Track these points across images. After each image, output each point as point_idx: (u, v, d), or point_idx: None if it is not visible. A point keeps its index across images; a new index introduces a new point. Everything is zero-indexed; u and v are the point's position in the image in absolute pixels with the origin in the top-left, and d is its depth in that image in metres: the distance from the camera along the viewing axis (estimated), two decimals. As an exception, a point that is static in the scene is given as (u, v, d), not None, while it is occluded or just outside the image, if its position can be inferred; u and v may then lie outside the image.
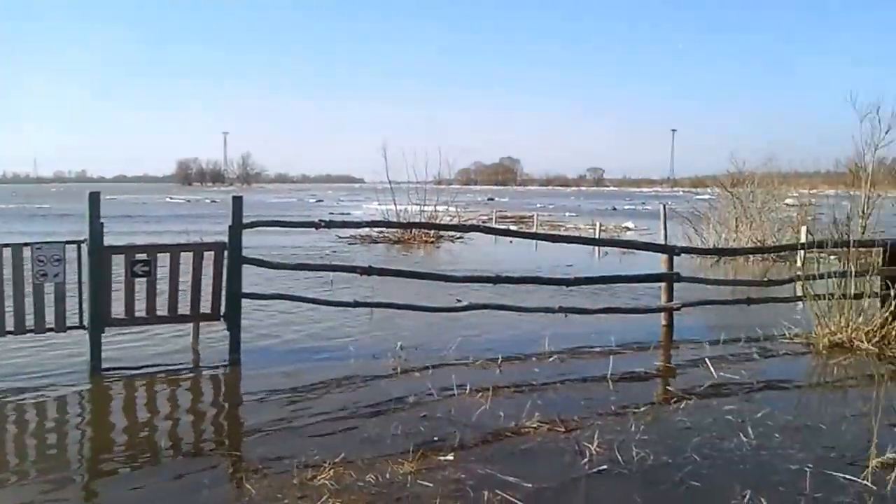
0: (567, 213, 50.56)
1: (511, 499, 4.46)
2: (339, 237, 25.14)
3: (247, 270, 8.35)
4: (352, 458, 5.11)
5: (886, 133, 19.25)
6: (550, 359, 8.21)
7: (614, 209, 59.84)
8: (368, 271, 8.99)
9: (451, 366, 7.86)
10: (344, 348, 8.56)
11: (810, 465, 5.03)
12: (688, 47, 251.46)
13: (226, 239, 8.07)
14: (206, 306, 8.17)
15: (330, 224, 9.28)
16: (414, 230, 24.63)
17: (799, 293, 10.42)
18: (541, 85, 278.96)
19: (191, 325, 8.50)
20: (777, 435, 5.72)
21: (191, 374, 7.63)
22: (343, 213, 42.27)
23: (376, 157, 29.62)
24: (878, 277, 10.25)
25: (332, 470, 4.84)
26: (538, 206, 57.76)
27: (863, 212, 19.13)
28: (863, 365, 8.18)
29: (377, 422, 6.03)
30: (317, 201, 72.83)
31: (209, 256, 8.13)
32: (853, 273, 9.48)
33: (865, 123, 19.32)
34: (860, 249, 11.05)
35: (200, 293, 8.11)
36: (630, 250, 15.12)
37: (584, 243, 14.02)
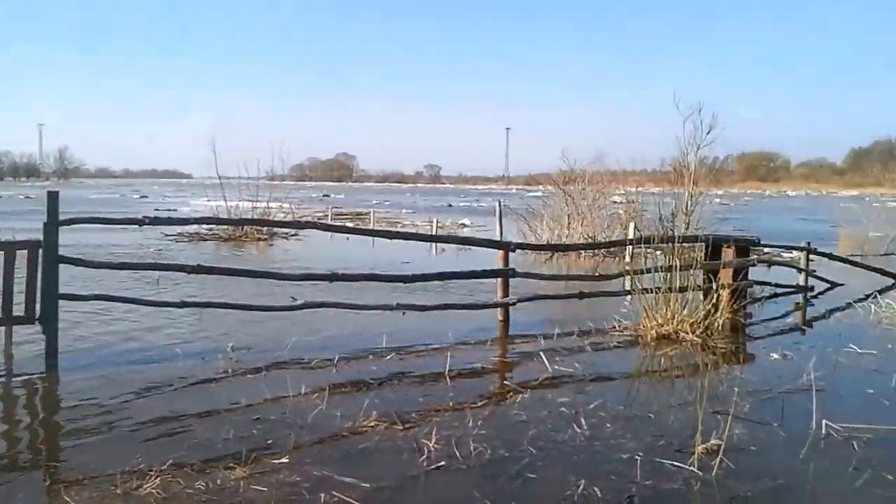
0: (404, 210, 50.86)
1: (348, 499, 4.41)
2: (166, 235, 24.32)
3: (68, 271, 7.92)
4: (180, 465, 4.93)
5: (707, 133, 20.35)
6: (388, 357, 8.19)
7: (450, 206, 60.66)
8: (196, 270, 8.72)
9: (285, 366, 7.72)
10: (171, 351, 8.23)
11: (640, 454, 5.25)
12: (527, 47, 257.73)
13: (41, 237, 7.61)
14: (19, 308, 7.69)
15: (155, 221, 8.92)
16: (246, 227, 24.09)
17: (628, 287, 10.86)
18: (378, 81, 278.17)
19: (2, 329, 7.98)
20: (609, 425, 5.93)
21: (3, 382, 7.12)
22: (170, 210, 40.84)
23: (205, 152, 28.63)
24: (701, 271, 10.87)
25: (159, 478, 4.64)
26: (374, 203, 57.87)
27: (686, 209, 20.20)
28: (688, 355, 8.62)
29: (207, 426, 5.83)
30: (141, 197, 69.95)
31: (22, 255, 7.66)
32: (678, 267, 9.99)
33: (688, 124, 20.35)
34: (684, 245, 11.69)
35: (13, 295, 7.63)
36: (466, 247, 15.38)
37: (421, 240, 14.08)
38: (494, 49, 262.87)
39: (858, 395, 7.11)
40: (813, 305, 12.77)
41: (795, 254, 14.93)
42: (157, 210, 39.32)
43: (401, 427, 5.82)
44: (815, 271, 14.19)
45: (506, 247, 10.17)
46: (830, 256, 15.32)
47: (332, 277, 9.37)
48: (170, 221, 9.78)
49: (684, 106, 20.27)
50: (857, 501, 4.65)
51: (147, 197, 70.80)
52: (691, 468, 4.99)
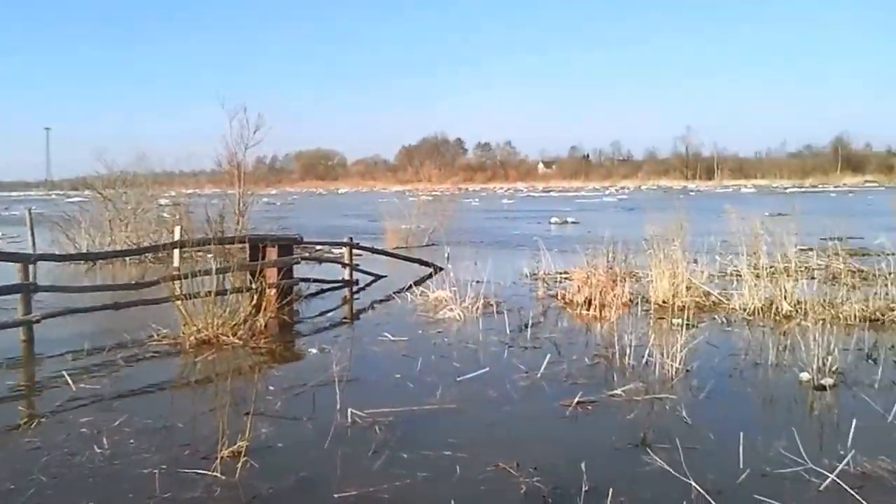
0: None
1: None
2: None
3: None
4: None
5: (255, 133, 20.61)
6: None
7: (-36, 216, 55.07)
8: None
9: None
10: None
11: (164, 466, 5.20)
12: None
13: None
14: None
15: None
16: None
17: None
18: None
19: None
20: (133, 441, 5.79)
21: None
22: None
23: None
24: (247, 272, 11.05)
25: None
26: None
27: (238, 209, 20.35)
28: (228, 359, 8.69)
29: None
30: None
31: None
32: (215, 270, 10.04)
33: (235, 123, 20.45)
34: (231, 246, 11.82)
35: None
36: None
37: None
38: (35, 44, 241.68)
39: (387, 380, 7.69)
40: (359, 299, 13.57)
41: (344, 249, 15.75)
42: None
43: None
44: (358, 265, 15.13)
45: (24, 259, 9.48)
46: (372, 250, 16.43)
47: None
48: None
49: (230, 105, 20.44)
50: (375, 482, 5.01)
51: None
52: (215, 474, 5.05)
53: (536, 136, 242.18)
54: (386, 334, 9.68)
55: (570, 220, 35.26)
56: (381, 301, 13.03)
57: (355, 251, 15.25)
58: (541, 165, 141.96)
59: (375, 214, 30.09)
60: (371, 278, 15.30)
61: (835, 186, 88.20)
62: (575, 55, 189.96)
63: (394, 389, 7.33)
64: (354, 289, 14.35)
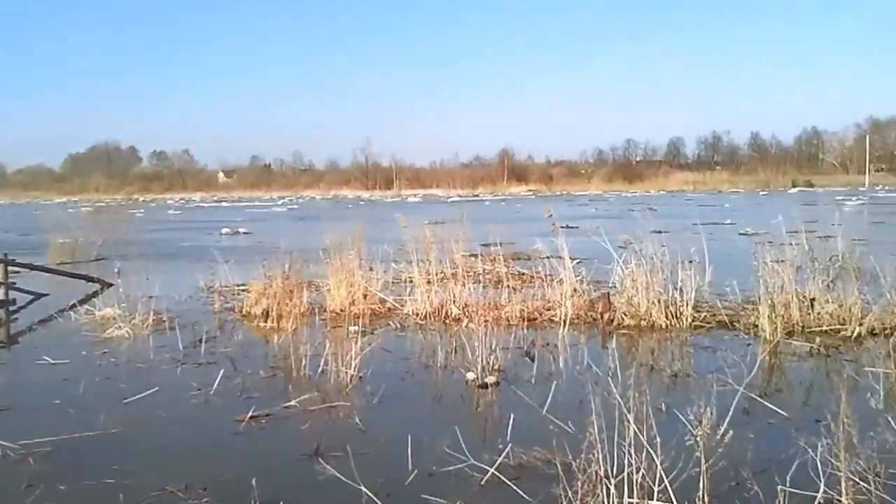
0: None
1: None
2: None
3: None
4: None
5: None
6: None
7: None
8: None
9: None
10: None
11: None
12: None
13: None
14: None
15: None
16: None
17: None
18: None
19: None
20: None
21: None
22: None
23: None
24: None
25: None
26: None
27: None
28: None
29: None
30: None
31: None
32: None
33: None
34: None
35: None
36: None
37: None
38: None
39: (45, 407, 7.16)
40: (16, 320, 12.56)
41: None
42: None
43: None
44: (15, 283, 14.01)
45: None
46: (31, 267, 15.23)
47: None
48: None
49: None
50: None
51: None
52: None
53: (216, 145, 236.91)
54: (45, 357, 9.02)
55: (241, 230, 34.57)
56: (41, 321, 12.14)
57: (12, 268, 14.07)
58: (221, 175, 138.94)
59: (31, 227, 27.96)
60: (30, 297, 14.18)
61: (493, 195, 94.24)
62: (260, 64, 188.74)
63: (52, 417, 6.85)
64: (11, 309, 13.25)
